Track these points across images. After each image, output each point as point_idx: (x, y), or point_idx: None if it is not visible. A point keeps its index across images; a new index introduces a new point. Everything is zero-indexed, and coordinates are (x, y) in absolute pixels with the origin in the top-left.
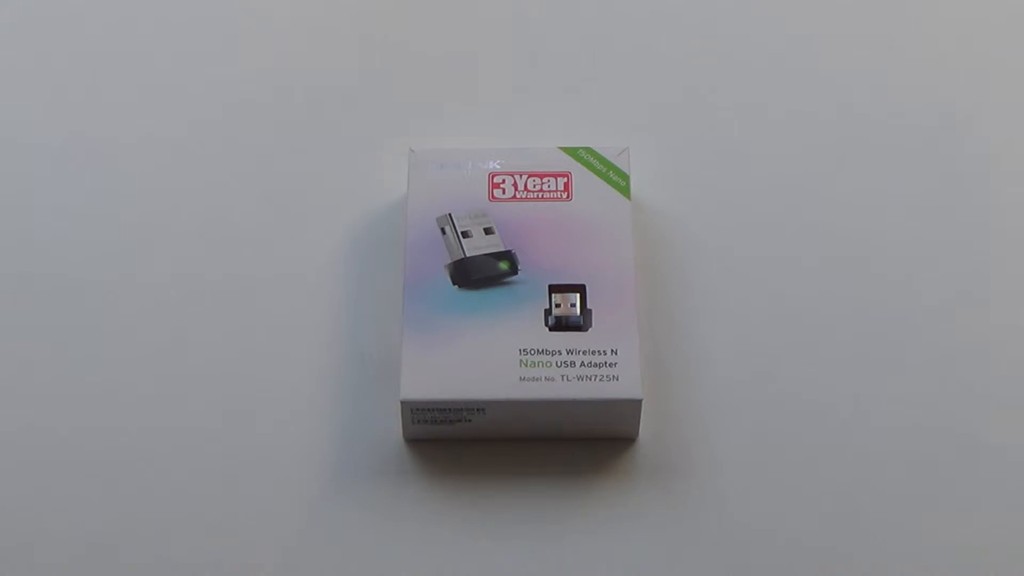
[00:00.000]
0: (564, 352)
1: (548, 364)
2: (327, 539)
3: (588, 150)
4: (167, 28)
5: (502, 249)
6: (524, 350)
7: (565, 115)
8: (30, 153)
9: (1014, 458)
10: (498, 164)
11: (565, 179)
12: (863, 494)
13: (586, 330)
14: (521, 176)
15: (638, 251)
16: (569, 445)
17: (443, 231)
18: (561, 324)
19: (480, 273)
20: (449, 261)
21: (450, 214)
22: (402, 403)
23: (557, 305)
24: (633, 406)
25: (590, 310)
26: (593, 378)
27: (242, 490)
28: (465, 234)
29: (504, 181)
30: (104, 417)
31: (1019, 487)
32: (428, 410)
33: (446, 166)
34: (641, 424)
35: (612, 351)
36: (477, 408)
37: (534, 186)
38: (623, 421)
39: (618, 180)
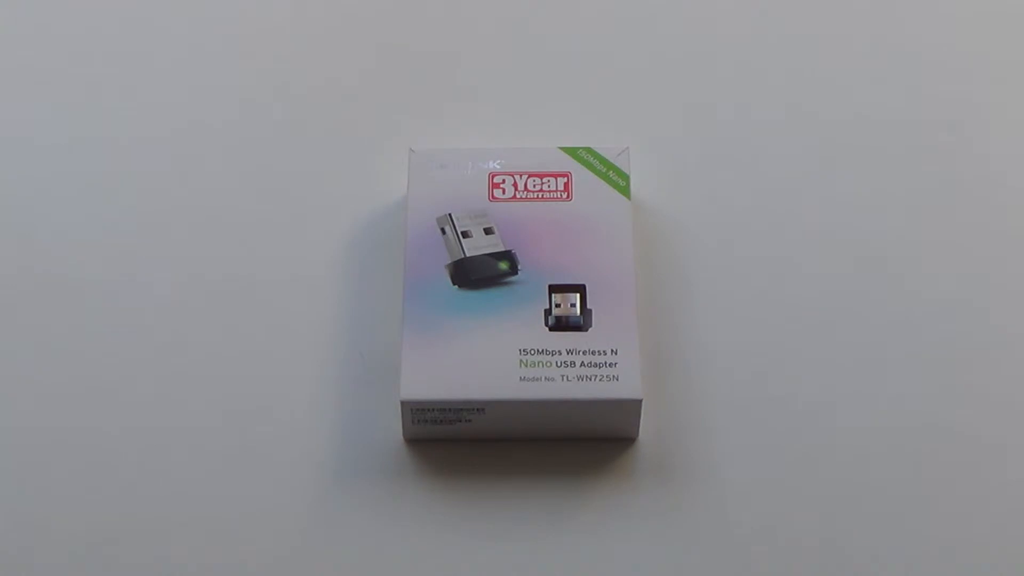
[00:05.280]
0: (564, 352)
1: (548, 364)
2: (327, 539)
3: (588, 150)
4: (167, 28)
5: (502, 249)
6: (524, 350)
7: (565, 115)
8: (30, 153)
9: (1014, 458)
10: (498, 164)
11: (565, 179)
12: (863, 494)
13: (586, 330)
14: (521, 176)
15: (638, 251)
16: (569, 445)
17: (443, 231)
18: (561, 324)
19: (480, 273)
20: (449, 261)
21: (450, 214)
22: (402, 403)
23: (557, 305)
24: (633, 406)
25: (590, 310)
26: (593, 378)
27: (242, 490)
28: (465, 234)
29: (504, 181)
30: (104, 417)
31: (1019, 487)
32: (428, 410)
33: (446, 166)
34: (641, 424)
35: (612, 351)
36: (477, 408)
37: (534, 186)
38: (623, 421)
39: (618, 180)
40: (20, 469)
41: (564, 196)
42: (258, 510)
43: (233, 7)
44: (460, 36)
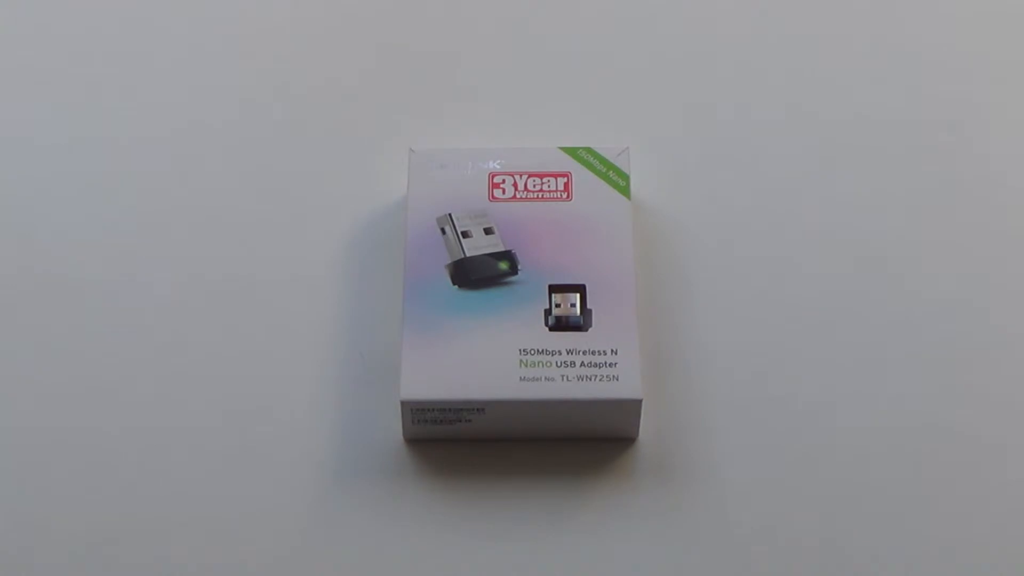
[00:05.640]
0: (564, 352)
1: (548, 364)
2: (327, 539)
3: (588, 150)
4: (167, 28)
5: (502, 249)
6: (524, 350)
7: (565, 115)
8: (31, 153)
9: (1014, 458)
10: (498, 164)
11: (565, 179)
12: (863, 494)
13: (586, 330)
14: (521, 176)
15: (638, 251)
16: (569, 445)
17: (443, 231)
18: (561, 324)
19: (480, 273)
20: (449, 261)
21: (450, 214)
22: (402, 403)
23: (557, 305)
24: (633, 406)
25: (590, 310)
26: (593, 378)
27: (242, 490)
28: (465, 234)
29: (504, 181)
30: (104, 417)
31: (1019, 487)
32: (428, 410)
33: (446, 166)
34: (641, 424)
35: (612, 351)
36: (477, 408)
37: (534, 186)
38: (623, 421)
39: (618, 180)
40: (20, 469)
41: (564, 196)
42: (258, 510)
43: (233, 7)
44: (460, 36)
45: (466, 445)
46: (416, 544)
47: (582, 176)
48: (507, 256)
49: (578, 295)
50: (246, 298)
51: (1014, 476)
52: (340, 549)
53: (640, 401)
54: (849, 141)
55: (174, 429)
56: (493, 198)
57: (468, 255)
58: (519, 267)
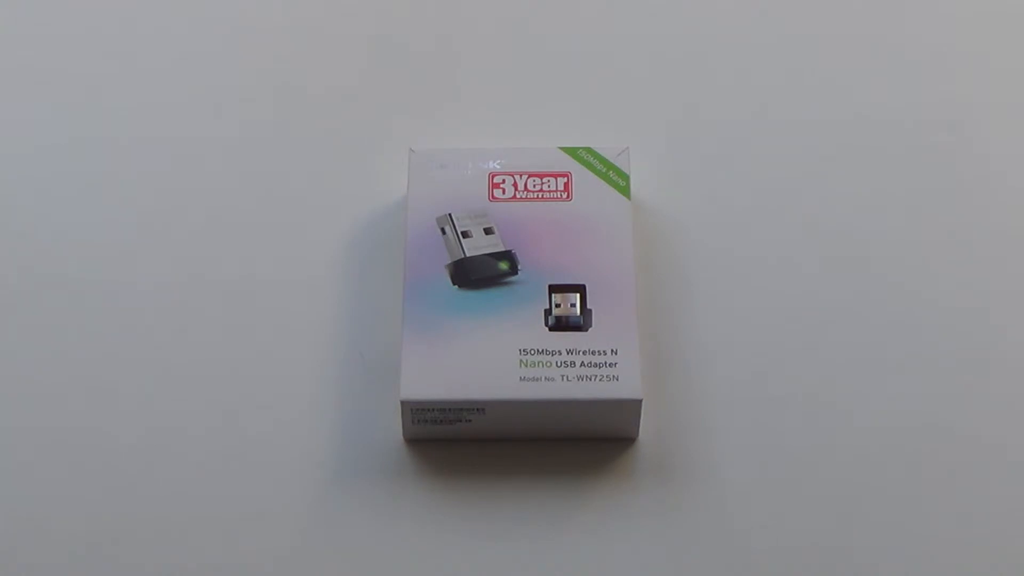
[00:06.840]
0: (564, 352)
1: (548, 364)
2: (327, 539)
3: (588, 150)
4: (167, 28)
5: (502, 249)
6: (524, 350)
7: (565, 115)
8: (31, 153)
9: (1014, 458)
10: (498, 164)
11: (565, 179)
12: (863, 494)
13: (586, 330)
14: (521, 176)
15: (638, 251)
16: (569, 445)
17: (443, 231)
18: (561, 324)
19: (480, 273)
20: (449, 261)
21: (450, 214)
22: (402, 403)
23: (557, 305)
24: (633, 406)
25: (590, 310)
26: (593, 378)
27: (242, 490)
28: (465, 234)
29: (504, 181)
30: (104, 417)
31: (1019, 487)
32: (428, 410)
33: (446, 166)
34: (641, 424)
35: (612, 351)
36: (477, 408)
37: (534, 186)
38: (623, 421)
39: (618, 180)
40: (20, 469)
41: (564, 196)
42: (258, 510)
43: (233, 7)
44: (460, 36)
45: (466, 445)
46: (416, 544)
47: (582, 176)
48: (507, 256)
49: (578, 295)
50: (246, 298)
51: (1014, 476)
52: (340, 549)
53: (640, 401)
54: (849, 141)
55: (174, 429)
56: (493, 198)
57: (468, 255)
58: (519, 267)
